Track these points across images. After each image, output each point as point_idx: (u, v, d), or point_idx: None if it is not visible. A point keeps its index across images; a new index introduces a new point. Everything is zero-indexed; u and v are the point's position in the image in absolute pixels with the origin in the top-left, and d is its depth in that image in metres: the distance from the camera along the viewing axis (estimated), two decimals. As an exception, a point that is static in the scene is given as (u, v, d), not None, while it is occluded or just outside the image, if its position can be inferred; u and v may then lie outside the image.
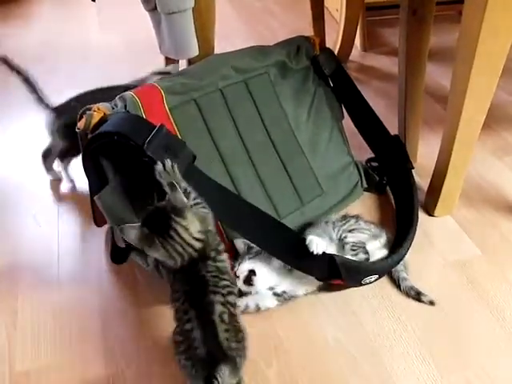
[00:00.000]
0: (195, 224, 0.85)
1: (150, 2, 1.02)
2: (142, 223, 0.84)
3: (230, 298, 0.85)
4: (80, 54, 2.03)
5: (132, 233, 0.83)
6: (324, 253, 0.98)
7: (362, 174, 1.29)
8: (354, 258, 1.04)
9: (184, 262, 0.84)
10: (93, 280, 1.12)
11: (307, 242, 0.98)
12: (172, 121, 1.04)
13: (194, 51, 1.07)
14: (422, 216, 1.22)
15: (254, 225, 1.02)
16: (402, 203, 1.24)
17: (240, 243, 1.06)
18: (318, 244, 0.98)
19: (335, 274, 1.00)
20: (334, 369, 0.94)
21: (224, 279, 0.86)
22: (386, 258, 1.07)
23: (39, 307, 1.07)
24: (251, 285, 1.02)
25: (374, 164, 1.33)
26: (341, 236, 1.08)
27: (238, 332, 0.84)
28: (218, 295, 0.84)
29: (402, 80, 1.31)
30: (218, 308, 0.83)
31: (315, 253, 0.97)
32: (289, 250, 1.01)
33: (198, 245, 0.84)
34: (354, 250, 1.06)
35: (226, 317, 0.83)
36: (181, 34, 1.03)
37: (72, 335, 1.02)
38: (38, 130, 1.60)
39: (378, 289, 1.07)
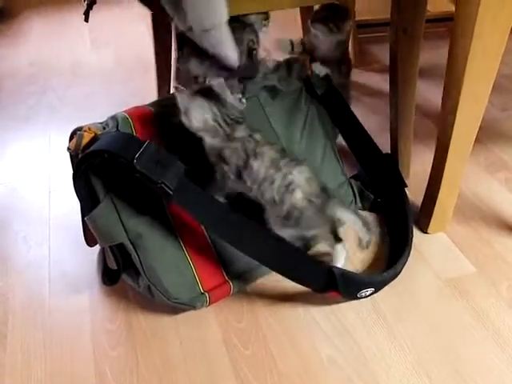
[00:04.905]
0: None
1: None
2: None
3: None
4: (71, 73, 2.03)
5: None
6: (323, 264, 0.98)
7: (357, 194, 1.28)
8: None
9: None
10: (84, 301, 1.10)
11: (335, 252, 0.98)
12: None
13: (234, 63, 1.07)
14: (415, 233, 1.21)
15: (250, 237, 1.01)
16: (395, 222, 1.23)
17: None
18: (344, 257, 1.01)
19: (332, 285, 1.00)
20: (329, 390, 0.92)
21: None
22: (383, 272, 1.07)
23: (29, 330, 1.05)
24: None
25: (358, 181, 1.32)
26: None
27: None
28: None
29: (393, 96, 1.32)
30: None
31: (339, 266, 0.97)
32: (285, 261, 1.01)
33: None
34: None
35: None
36: (217, 48, 1.03)
37: (63, 358, 1.00)
38: (29, 151, 1.60)
39: (372, 307, 1.06)
